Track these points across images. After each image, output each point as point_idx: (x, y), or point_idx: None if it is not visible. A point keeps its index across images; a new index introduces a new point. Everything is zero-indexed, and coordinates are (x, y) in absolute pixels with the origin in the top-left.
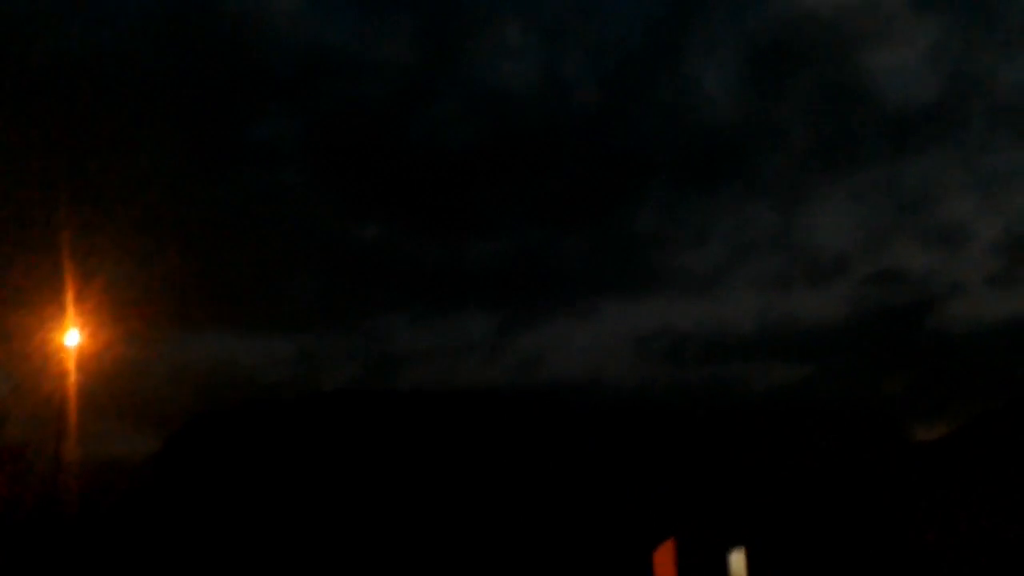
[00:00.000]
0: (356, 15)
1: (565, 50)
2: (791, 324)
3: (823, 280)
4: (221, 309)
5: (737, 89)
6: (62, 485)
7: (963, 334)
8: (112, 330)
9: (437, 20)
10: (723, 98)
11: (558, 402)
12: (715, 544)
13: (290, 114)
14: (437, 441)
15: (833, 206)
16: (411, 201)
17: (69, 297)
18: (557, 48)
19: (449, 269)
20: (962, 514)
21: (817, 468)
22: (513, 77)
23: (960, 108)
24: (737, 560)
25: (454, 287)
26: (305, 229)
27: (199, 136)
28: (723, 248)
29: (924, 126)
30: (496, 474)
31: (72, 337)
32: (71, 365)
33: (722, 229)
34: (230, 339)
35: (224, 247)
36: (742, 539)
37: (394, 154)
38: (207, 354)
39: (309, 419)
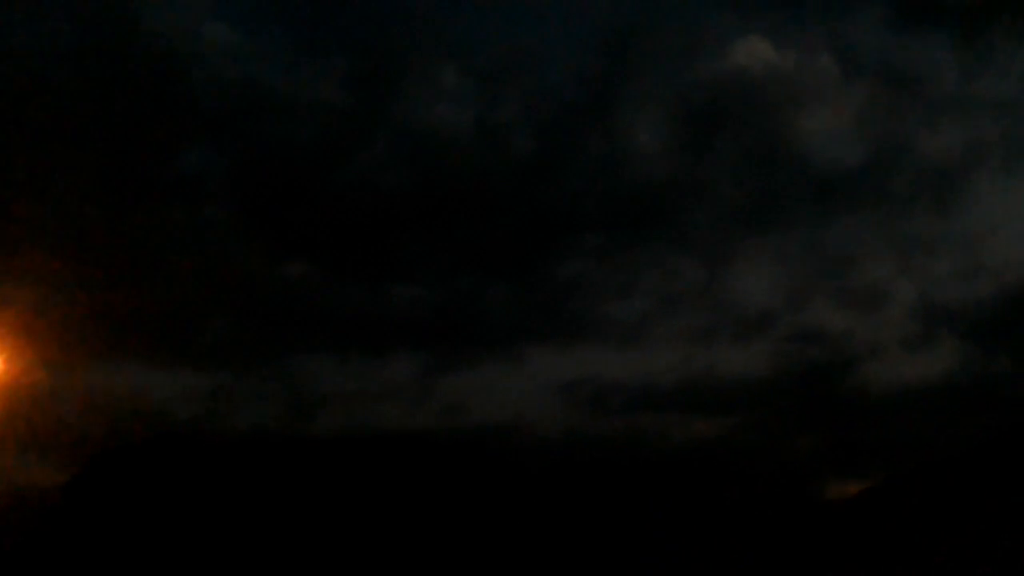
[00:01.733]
0: (291, 53)
1: (500, 97)
2: (712, 378)
3: (745, 336)
4: (137, 341)
5: (668, 145)
6: None
7: (878, 395)
8: (27, 358)
9: (372, 62)
10: (654, 153)
11: (480, 447)
12: None
13: (219, 149)
14: (354, 485)
15: (757, 264)
16: (338, 243)
17: None
18: (492, 95)
19: (375, 313)
20: (866, 570)
21: (727, 520)
22: (447, 122)
23: (882, 173)
24: None
25: (379, 331)
26: (228, 265)
27: (124, 166)
28: (649, 301)
29: (847, 190)
30: (415, 519)
31: None
32: None
33: (648, 282)
34: (144, 372)
35: (144, 279)
36: None
37: (323, 195)
38: (120, 386)
39: (223, 458)
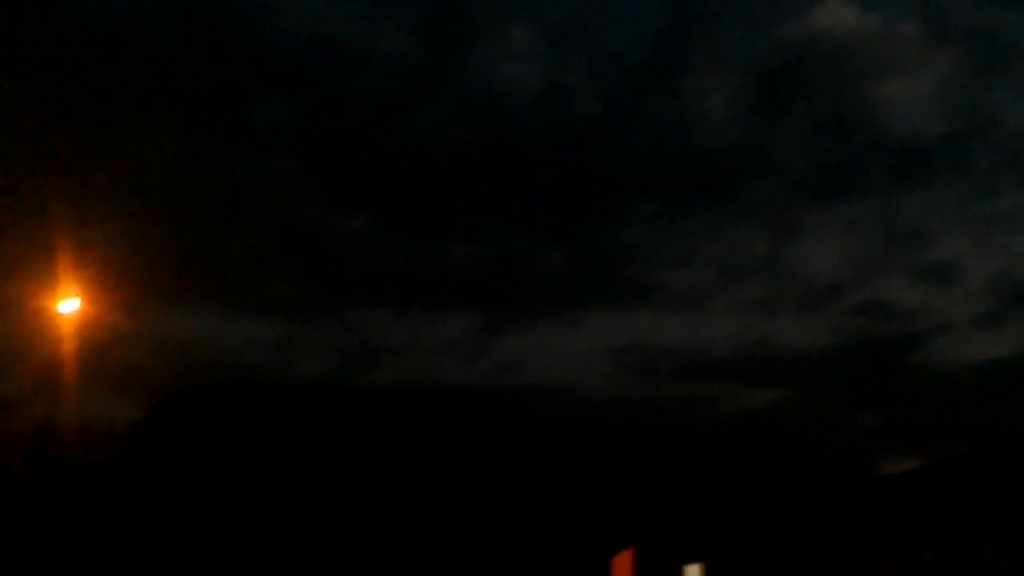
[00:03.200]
0: (362, 8)
1: (568, 58)
2: (769, 349)
3: (807, 308)
4: (207, 288)
5: (737, 110)
6: (54, 448)
7: (945, 373)
8: (103, 300)
9: (442, 19)
10: (722, 118)
11: (531, 407)
12: (674, 557)
13: (288, 102)
14: (410, 438)
15: (825, 235)
16: (401, 198)
17: (64, 266)
18: (560, 55)
19: (434, 268)
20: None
21: (780, 493)
22: (513, 82)
23: (964, 146)
24: (693, 574)
25: (437, 286)
26: (294, 217)
27: (196, 117)
28: (708, 269)
29: (926, 161)
30: (464, 474)
31: (69, 304)
32: (67, 331)
33: (709, 250)
34: (213, 319)
35: (214, 228)
36: (701, 555)
37: (388, 150)
38: (190, 331)
39: (286, 406)
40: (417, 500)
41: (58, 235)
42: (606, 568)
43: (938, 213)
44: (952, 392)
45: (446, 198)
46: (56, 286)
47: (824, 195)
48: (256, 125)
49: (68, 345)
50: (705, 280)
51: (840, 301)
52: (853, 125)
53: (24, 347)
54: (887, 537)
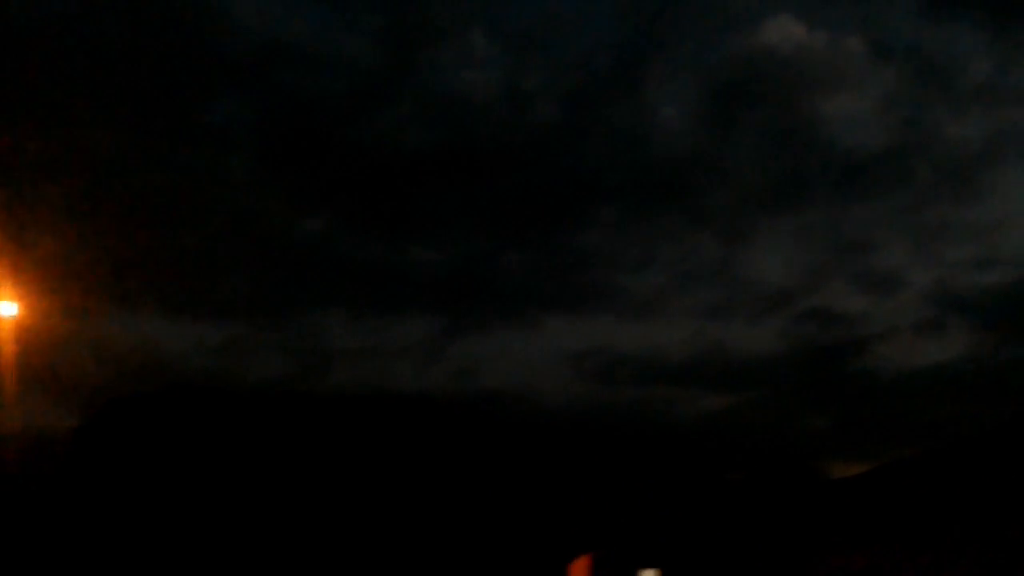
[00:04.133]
0: (322, 7)
1: (529, 64)
2: (723, 354)
3: (759, 314)
4: (153, 290)
5: (692, 120)
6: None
7: (889, 378)
8: (45, 302)
9: (403, 21)
10: (678, 127)
11: (490, 412)
12: (630, 562)
13: (243, 99)
14: (366, 444)
15: (775, 243)
16: (358, 200)
17: (1, 268)
18: (521, 61)
19: (391, 271)
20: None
21: (733, 497)
22: (474, 86)
23: (905, 159)
24: None
25: (394, 290)
26: (247, 217)
27: (147, 113)
28: (664, 275)
29: (869, 173)
30: (420, 479)
31: (7, 308)
32: (5, 336)
33: (665, 256)
34: (159, 321)
35: (163, 228)
36: (656, 560)
37: (345, 151)
38: (135, 334)
39: (235, 412)
40: (372, 506)
41: None
42: (563, 574)
43: (881, 223)
44: (896, 396)
45: (404, 201)
46: None
47: (774, 204)
48: (210, 122)
49: (6, 350)
50: (662, 286)
51: (789, 308)
52: (801, 137)
53: None
54: (839, 538)
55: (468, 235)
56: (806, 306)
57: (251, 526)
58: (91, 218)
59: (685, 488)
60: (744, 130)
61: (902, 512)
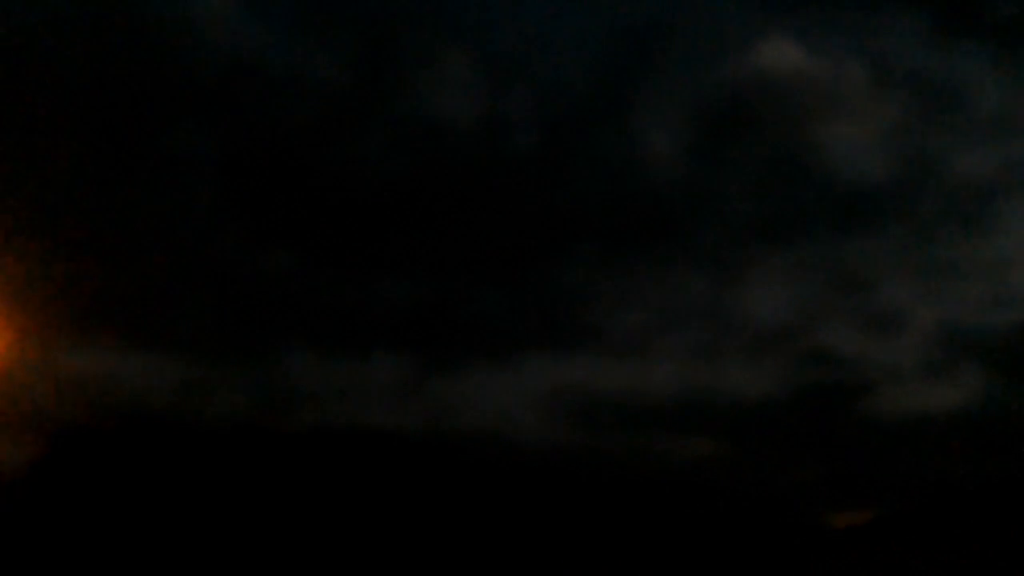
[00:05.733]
0: (292, 29)
1: (509, 91)
2: (714, 397)
3: (752, 355)
4: (110, 323)
5: (682, 150)
6: None
7: (892, 423)
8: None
9: (377, 44)
10: (666, 158)
11: (466, 453)
12: None
13: (208, 128)
14: (332, 483)
15: (770, 280)
16: (327, 233)
17: None
18: (501, 86)
19: (361, 307)
20: None
21: (726, 548)
22: (451, 112)
23: (910, 192)
24: None
25: (365, 328)
26: (212, 250)
27: (107, 141)
28: (650, 313)
29: (872, 206)
30: (393, 520)
31: None
32: None
33: (651, 293)
34: (119, 356)
35: (122, 259)
36: None
37: (315, 181)
38: (94, 369)
39: (193, 448)
40: (340, 547)
41: None
42: None
43: (884, 259)
44: (899, 443)
45: (376, 233)
46: None
47: (769, 239)
48: (173, 151)
49: None
50: (646, 324)
51: (785, 349)
52: (798, 168)
53: None
54: None
55: (443, 270)
56: (803, 347)
57: (214, 562)
58: (52, 250)
59: (670, 535)
60: (737, 160)
61: (901, 566)
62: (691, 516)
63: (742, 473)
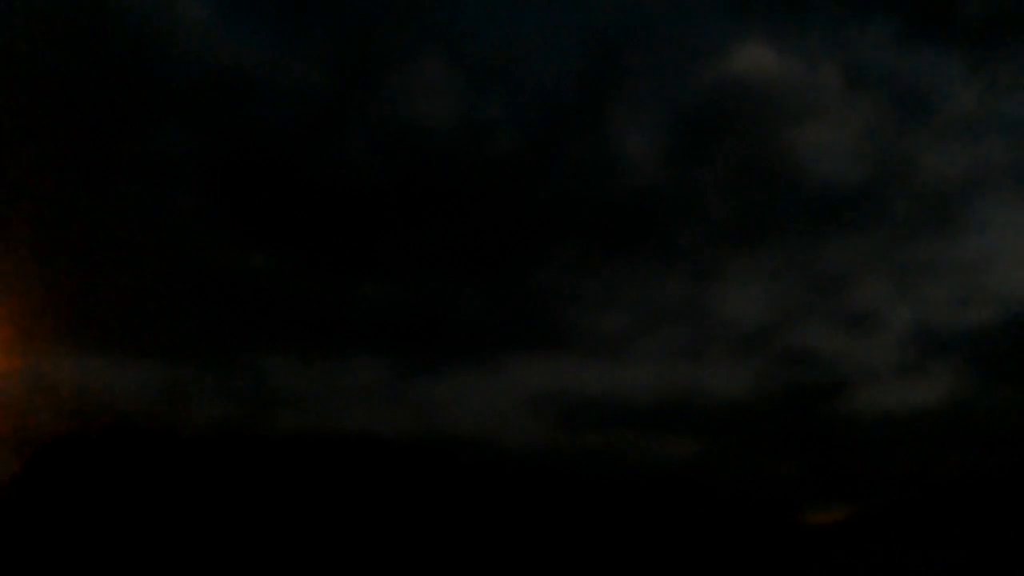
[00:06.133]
0: (271, 32)
1: (487, 94)
2: (693, 396)
3: (729, 355)
4: (90, 328)
5: (658, 152)
6: None
7: (867, 422)
8: None
9: (356, 47)
10: (643, 160)
11: (446, 455)
12: None
13: (186, 129)
14: (314, 488)
15: (746, 281)
16: (307, 235)
17: None
18: (479, 89)
19: (341, 309)
20: None
21: (705, 545)
22: (429, 116)
23: (883, 193)
24: None
25: (346, 329)
26: (190, 253)
27: (87, 146)
28: (630, 314)
29: (845, 208)
30: (373, 524)
31: None
32: None
33: (631, 294)
34: (96, 361)
35: (101, 263)
36: None
37: (294, 184)
38: (74, 375)
39: (175, 455)
40: (324, 550)
41: None
42: None
43: (859, 260)
44: (874, 441)
45: (356, 236)
46: None
47: (746, 240)
48: (152, 154)
49: None
50: (627, 325)
51: (762, 349)
52: (774, 170)
53: None
54: None
55: (423, 272)
56: (779, 347)
57: (197, 568)
58: (29, 254)
59: (652, 536)
60: (713, 163)
61: (879, 562)
62: (672, 514)
63: (721, 471)
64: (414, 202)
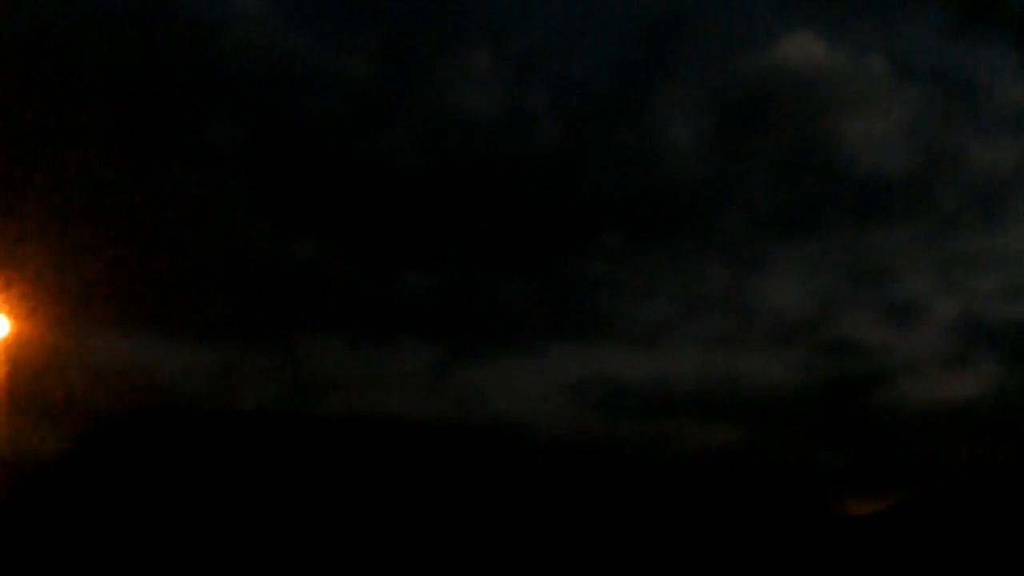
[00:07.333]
0: (319, 27)
1: (532, 85)
2: (733, 386)
3: (771, 344)
4: (143, 312)
5: (701, 143)
6: None
7: (909, 413)
8: (34, 322)
9: (402, 40)
10: (686, 151)
11: (488, 441)
12: None
13: (238, 121)
14: (358, 470)
15: (789, 271)
16: (354, 223)
17: None
18: (523, 80)
19: (387, 297)
20: None
21: (743, 535)
22: (474, 107)
23: (930, 184)
24: None
25: (390, 316)
26: (241, 240)
27: (142, 134)
28: (671, 303)
29: (891, 199)
30: (417, 508)
31: (0, 327)
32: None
33: (672, 284)
34: (149, 343)
35: (155, 248)
36: None
37: (342, 173)
38: (127, 356)
39: (225, 435)
40: (366, 533)
41: None
42: None
43: (903, 251)
44: (917, 432)
45: (401, 224)
46: None
47: (789, 230)
48: (205, 144)
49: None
50: (668, 314)
51: (805, 338)
52: (818, 160)
53: None
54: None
55: (467, 261)
56: (822, 337)
57: (244, 545)
58: (85, 237)
59: (691, 523)
60: (757, 152)
61: (919, 552)
62: (711, 503)
63: (762, 461)
64: (458, 191)
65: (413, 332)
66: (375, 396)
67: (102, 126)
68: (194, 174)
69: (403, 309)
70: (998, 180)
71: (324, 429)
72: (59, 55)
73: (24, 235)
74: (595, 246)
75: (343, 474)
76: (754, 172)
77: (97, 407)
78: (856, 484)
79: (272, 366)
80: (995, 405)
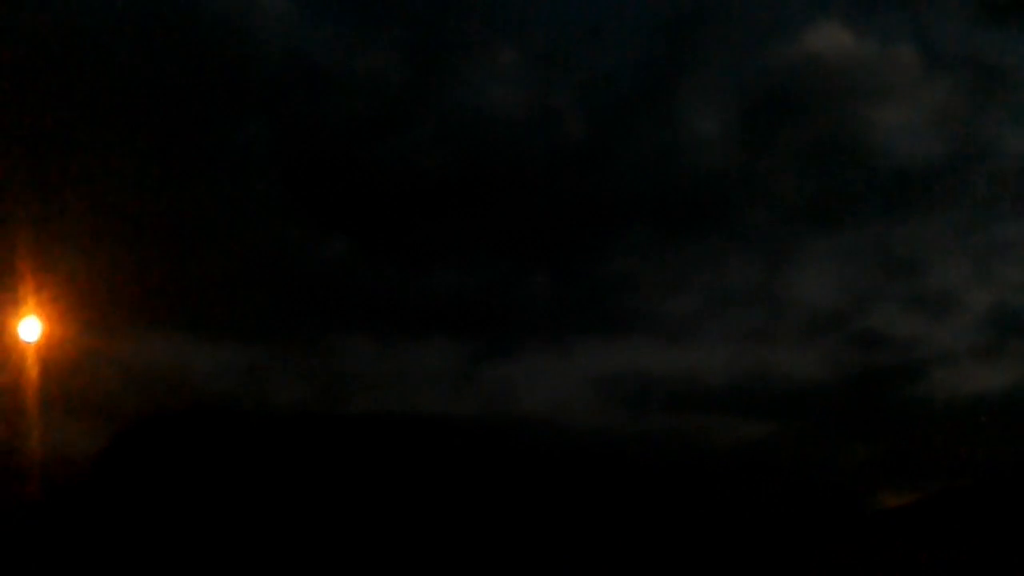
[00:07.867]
0: (344, 27)
1: (557, 81)
2: (764, 380)
3: (802, 337)
4: (175, 312)
5: (728, 135)
6: (13, 481)
7: (943, 406)
8: (68, 323)
9: (427, 39)
10: (713, 143)
11: (517, 438)
12: None
13: (266, 122)
14: (390, 468)
15: (819, 263)
16: (382, 222)
17: (26, 287)
18: (549, 78)
19: (415, 295)
20: None
21: (775, 530)
22: (500, 104)
23: (962, 173)
24: None
25: (419, 314)
26: (270, 240)
27: (171, 136)
28: (700, 297)
29: (922, 188)
30: (446, 504)
31: (31, 327)
32: (29, 356)
33: (701, 278)
34: (181, 343)
35: (186, 249)
36: None
37: (369, 172)
38: (158, 356)
39: (258, 434)
40: (396, 530)
41: (21, 255)
42: None
43: (935, 242)
44: (950, 425)
45: (429, 222)
46: (18, 307)
47: (819, 222)
48: (232, 145)
49: (30, 370)
50: (697, 309)
51: (836, 331)
52: (848, 151)
53: None
54: (884, 571)
55: (494, 258)
56: (854, 329)
57: (275, 546)
58: (117, 239)
59: (722, 519)
60: (785, 144)
61: (951, 546)
62: (742, 497)
63: (793, 455)
64: (485, 189)
65: (442, 329)
66: (405, 394)
67: (132, 130)
68: (224, 176)
69: (432, 307)
70: None
71: (355, 427)
72: (88, 62)
73: (56, 237)
74: (623, 241)
75: (375, 471)
76: (782, 164)
77: (131, 407)
78: (889, 478)
79: (303, 365)
80: None
